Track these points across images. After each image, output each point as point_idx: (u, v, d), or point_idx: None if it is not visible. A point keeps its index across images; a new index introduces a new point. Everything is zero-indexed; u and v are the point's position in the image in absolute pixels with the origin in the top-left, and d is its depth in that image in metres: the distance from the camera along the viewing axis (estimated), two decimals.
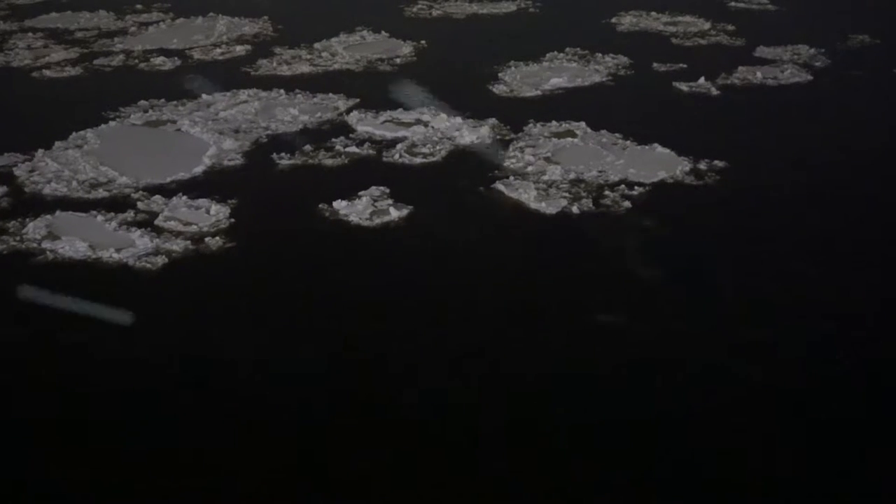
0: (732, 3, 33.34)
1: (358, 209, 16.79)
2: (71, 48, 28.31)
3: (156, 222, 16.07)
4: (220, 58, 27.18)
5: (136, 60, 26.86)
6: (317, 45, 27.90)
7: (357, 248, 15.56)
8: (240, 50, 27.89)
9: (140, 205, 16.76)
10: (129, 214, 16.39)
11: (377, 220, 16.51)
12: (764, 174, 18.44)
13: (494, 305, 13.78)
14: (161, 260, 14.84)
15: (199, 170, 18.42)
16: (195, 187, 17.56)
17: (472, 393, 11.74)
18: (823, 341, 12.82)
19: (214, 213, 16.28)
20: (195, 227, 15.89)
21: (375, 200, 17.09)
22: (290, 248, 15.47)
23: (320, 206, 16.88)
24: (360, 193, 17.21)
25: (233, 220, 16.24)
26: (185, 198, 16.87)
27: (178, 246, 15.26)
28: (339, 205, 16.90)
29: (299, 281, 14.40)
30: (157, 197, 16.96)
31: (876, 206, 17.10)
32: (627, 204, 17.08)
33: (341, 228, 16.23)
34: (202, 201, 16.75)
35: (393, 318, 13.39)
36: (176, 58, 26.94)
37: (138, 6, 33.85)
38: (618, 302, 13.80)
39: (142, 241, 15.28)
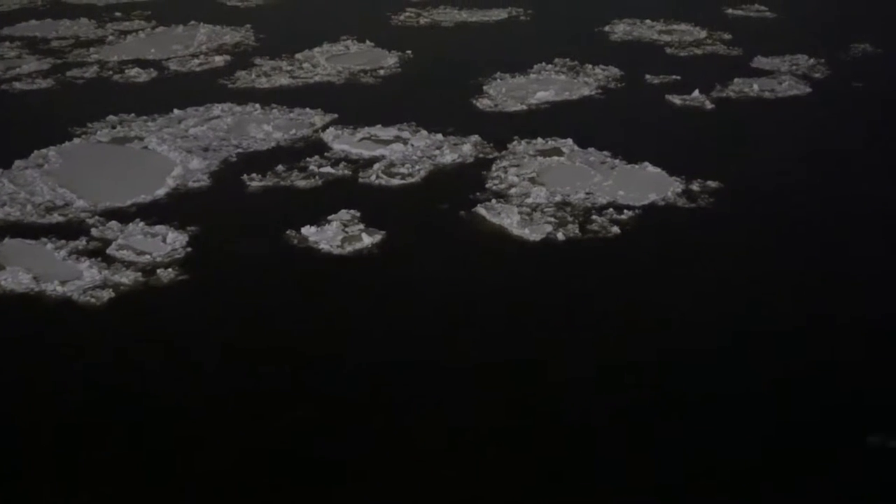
0: (730, 11, 32.37)
1: (328, 235, 15.79)
2: (44, 59, 27.31)
3: (108, 251, 15.05)
4: (198, 69, 26.19)
5: (111, 72, 25.88)
6: (298, 56, 26.91)
7: (323, 280, 14.52)
8: (218, 60, 26.90)
9: (94, 231, 15.75)
10: (82, 242, 15.38)
11: (349, 248, 15.51)
12: (759, 196, 17.43)
13: (463, 351, 12.75)
14: (107, 294, 13.82)
15: (161, 192, 17.40)
16: (156, 211, 16.55)
17: (440, 438, 10.75)
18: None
19: (171, 242, 15.25)
20: (148, 256, 14.85)
21: (346, 225, 16.09)
22: (247, 281, 14.37)
23: (288, 232, 15.87)
24: (330, 218, 16.21)
25: (189, 249, 15.19)
26: (141, 224, 15.86)
27: (127, 278, 14.23)
28: (308, 231, 15.90)
29: (250, 323, 13.22)
30: (113, 223, 15.94)
31: (882, 230, 16.06)
32: (616, 230, 16.07)
33: (309, 257, 15.21)
34: (159, 228, 15.73)
35: (353, 364, 12.35)
36: (152, 69, 25.97)
37: (117, 14, 32.88)
38: (601, 342, 12.80)
39: (90, 273, 14.26)
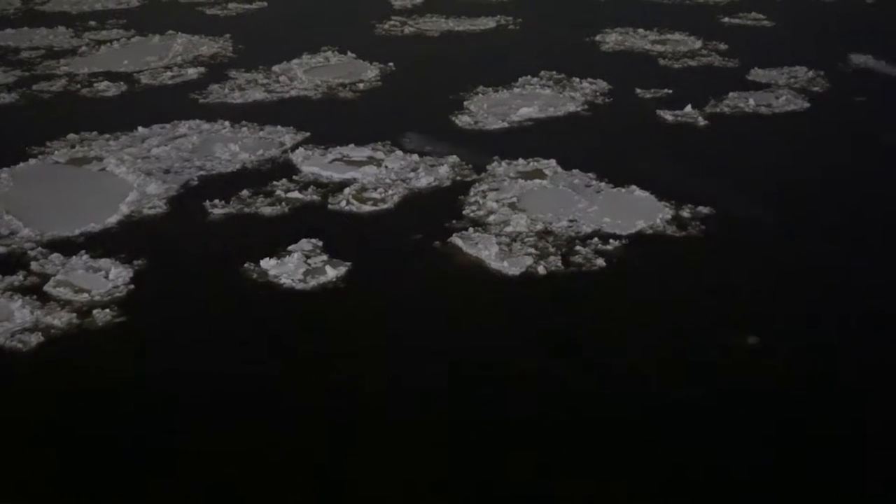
0: (726, 19, 31.26)
1: (289, 269, 14.66)
2: (11, 70, 26.19)
3: (45, 288, 13.87)
4: (170, 82, 25.06)
5: (79, 85, 24.76)
6: (276, 68, 25.80)
7: (279, 321, 13.36)
8: (192, 73, 25.77)
9: (35, 265, 14.56)
10: (19, 277, 14.19)
11: (312, 282, 14.39)
12: (753, 224, 16.29)
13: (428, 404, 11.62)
14: (36, 338, 12.60)
15: (113, 220, 16.22)
16: (104, 242, 15.36)
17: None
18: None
19: (113, 278, 14.06)
20: (86, 295, 13.67)
21: (308, 257, 14.97)
22: (191, 325, 13.12)
23: (246, 265, 14.73)
24: (291, 248, 15.09)
25: (132, 286, 14.01)
26: (85, 256, 14.68)
27: (60, 320, 13.02)
28: (268, 264, 14.77)
29: (185, 377, 11.92)
30: (56, 255, 14.75)
31: (890, 262, 14.93)
32: (601, 262, 14.91)
33: (267, 294, 14.06)
34: (104, 262, 14.52)
35: (303, 423, 11.22)
36: (122, 82, 24.84)
37: (91, 22, 31.80)
38: (582, 390, 11.67)
39: (21, 314, 13.06)
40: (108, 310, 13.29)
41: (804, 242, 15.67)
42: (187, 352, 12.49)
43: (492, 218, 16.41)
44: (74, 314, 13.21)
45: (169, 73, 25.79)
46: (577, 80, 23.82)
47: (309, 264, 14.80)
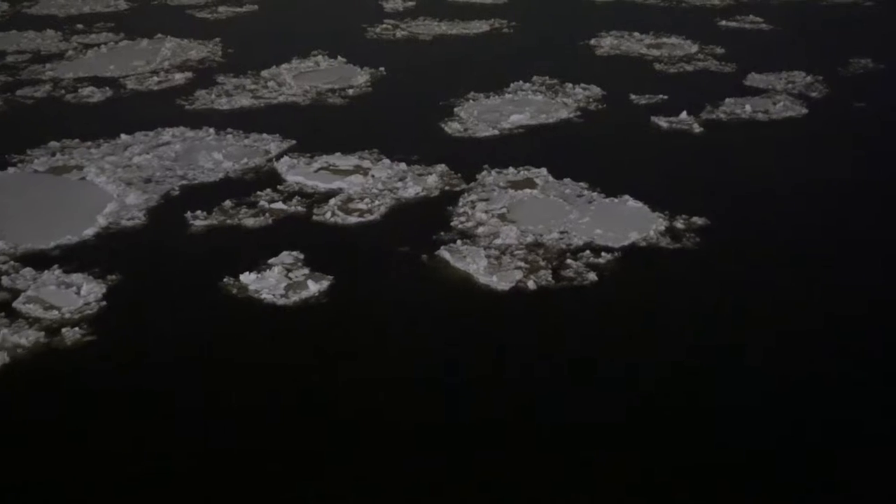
0: (723, 22, 30.80)
1: (270, 283, 14.21)
2: None
3: (14, 304, 13.41)
4: (156, 87, 24.59)
5: (63, 91, 24.29)
6: (264, 73, 25.33)
7: (257, 339, 12.87)
8: (179, 78, 25.29)
9: (6, 279, 14.09)
10: None
11: (293, 297, 13.93)
12: (749, 236, 15.83)
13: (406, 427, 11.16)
14: (1, 359, 12.14)
15: (90, 232, 15.75)
16: (79, 255, 14.89)
17: None
18: None
19: (85, 294, 13.59)
20: (56, 312, 13.19)
21: (289, 270, 14.51)
22: (163, 344, 12.62)
23: (226, 280, 14.26)
24: (271, 261, 14.63)
25: (104, 303, 13.52)
26: (58, 271, 14.22)
27: (27, 339, 12.55)
28: (248, 278, 14.31)
29: (151, 396, 11.46)
30: (28, 270, 14.28)
31: (889, 275, 14.47)
32: (593, 276, 14.45)
33: (246, 310, 13.59)
34: (76, 276, 14.06)
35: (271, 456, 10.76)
36: (107, 88, 24.37)
37: (79, 26, 31.32)
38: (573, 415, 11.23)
39: None
40: (77, 328, 12.81)
41: (801, 254, 15.19)
42: (156, 372, 12.01)
43: (481, 230, 15.96)
44: (43, 332, 12.73)
45: (156, 78, 25.33)
46: (571, 85, 23.35)
47: (290, 278, 14.35)
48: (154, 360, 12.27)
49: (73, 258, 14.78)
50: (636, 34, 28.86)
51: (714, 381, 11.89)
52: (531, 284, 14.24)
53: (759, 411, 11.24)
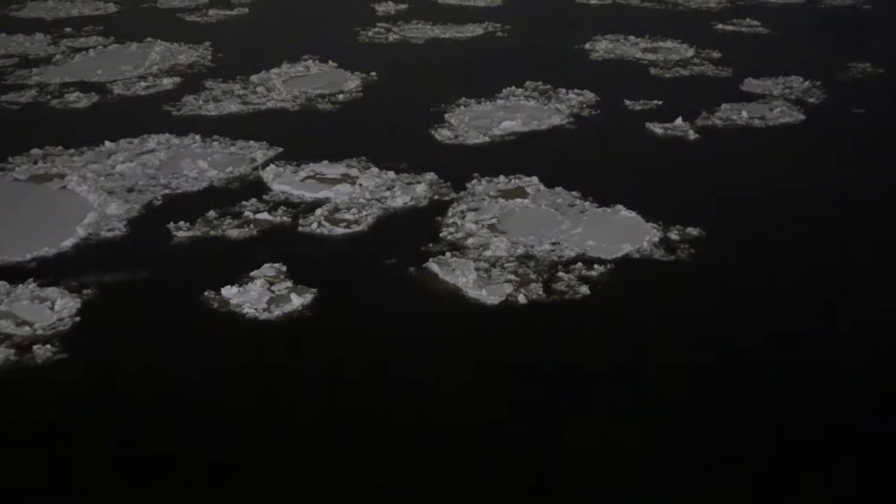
0: (720, 26, 30.48)
1: (252, 297, 13.80)
2: None
3: None
4: (143, 93, 24.17)
5: (49, 96, 23.86)
6: (254, 78, 24.93)
7: (237, 356, 12.46)
8: (167, 83, 24.89)
9: None
10: None
11: (276, 311, 13.52)
12: (746, 248, 15.43)
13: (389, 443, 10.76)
14: None
15: (68, 243, 15.31)
16: (56, 268, 14.45)
17: None
18: None
19: (59, 309, 13.14)
20: (28, 328, 12.74)
21: (272, 283, 14.11)
22: (135, 362, 12.13)
23: (206, 293, 13.86)
24: (253, 274, 14.23)
25: (78, 318, 13.08)
26: (32, 285, 13.78)
27: None
28: (229, 292, 13.90)
29: (121, 419, 11.04)
30: (1, 284, 13.80)
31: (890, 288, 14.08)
32: (585, 289, 14.04)
33: (227, 325, 13.17)
34: (51, 290, 13.61)
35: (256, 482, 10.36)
36: (93, 93, 23.95)
37: (67, 29, 30.91)
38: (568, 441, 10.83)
39: None
40: (49, 345, 12.36)
41: (799, 267, 14.80)
42: (127, 393, 11.57)
43: (470, 241, 15.56)
44: (13, 350, 12.27)
45: (143, 84, 24.92)
46: (564, 90, 22.96)
47: (273, 292, 13.95)
48: (126, 381, 11.82)
49: (50, 271, 14.34)
50: (631, 38, 28.53)
51: (712, 398, 11.49)
52: (521, 298, 13.84)
53: (756, 424, 10.85)
